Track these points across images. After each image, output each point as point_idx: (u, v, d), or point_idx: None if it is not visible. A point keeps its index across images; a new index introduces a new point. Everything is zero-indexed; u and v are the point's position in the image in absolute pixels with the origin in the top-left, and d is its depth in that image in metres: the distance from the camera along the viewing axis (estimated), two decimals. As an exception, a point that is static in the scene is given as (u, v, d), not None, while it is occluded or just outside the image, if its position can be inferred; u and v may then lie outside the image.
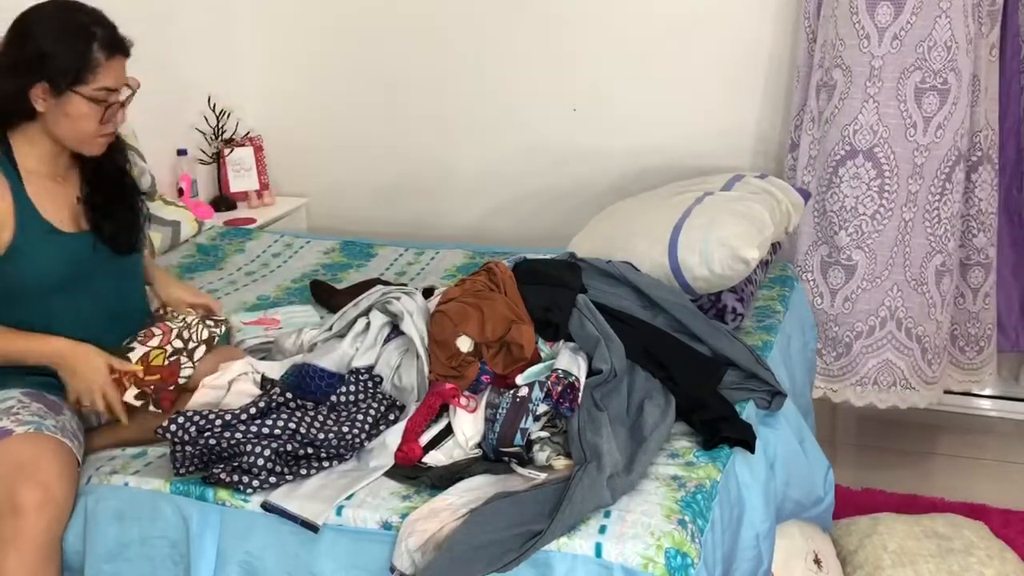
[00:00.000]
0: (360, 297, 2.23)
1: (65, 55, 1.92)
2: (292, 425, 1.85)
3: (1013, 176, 3.09)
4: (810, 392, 2.87)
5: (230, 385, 2.04)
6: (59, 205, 2.03)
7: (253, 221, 3.55)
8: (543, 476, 1.79)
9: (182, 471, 1.87)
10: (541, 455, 1.84)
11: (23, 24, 1.96)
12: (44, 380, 2.03)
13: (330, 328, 2.21)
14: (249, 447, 1.80)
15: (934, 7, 2.76)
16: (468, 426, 1.90)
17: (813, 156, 3.02)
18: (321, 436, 1.85)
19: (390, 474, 1.84)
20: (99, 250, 2.06)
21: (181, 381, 2.09)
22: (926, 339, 3.01)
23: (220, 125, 3.68)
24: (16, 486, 1.81)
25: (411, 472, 1.84)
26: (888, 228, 2.92)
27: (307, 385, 2.02)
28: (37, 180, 2.01)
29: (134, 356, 2.05)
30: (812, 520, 2.34)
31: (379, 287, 2.27)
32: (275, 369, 2.11)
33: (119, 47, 1.98)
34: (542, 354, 2.05)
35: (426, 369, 2.03)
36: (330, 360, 2.07)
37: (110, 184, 2.11)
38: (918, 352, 3.02)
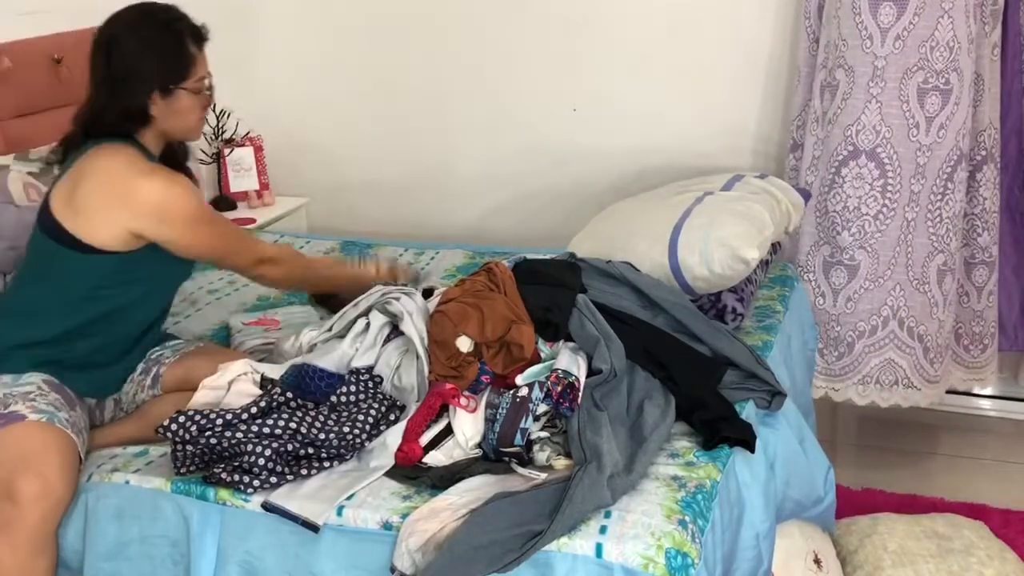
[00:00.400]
0: (360, 297, 2.23)
1: (168, 58, 2.01)
2: (293, 425, 1.85)
3: (1015, 175, 3.08)
4: (810, 392, 2.87)
5: (230, 385, 2.04)
6: None
7: (253, 221, 3.54)
8: (543, 476, 1.79)
9: (183, 470, 1.87)
10: (541, 455, 1.84)
11: (112, 38, 2.01)
12: (66, 375, 2.05)
13: (330, 328, 2.21)
14: (250, 447, 1.79)
15: (936, 7, 2.76)
16: (468, 426, 1.90)
17: (816, 156, 3.01)
18: (322, 436, 1.85)
19: (390, 474, 1.84)
20: None
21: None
22: (928, 338, 3.01)
23: (220, 125, 3.67)
24: (17, 474, 1.82)
25: (411, 472, 1.84)
26: (891, 228, 2.92)
27: (307, 385, 2.02)
28: None
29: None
30: (813, 520, 2.34)
31: (379, 287, 2.27)
32: (275, 370, 2.11)
33: (203, 36, 2.08)
34: (542, 354, 2.05)
35: (426, 369, 2.03)
36: (330, 360, 2.07)
37: None
38: (920, 351, 3.01)
